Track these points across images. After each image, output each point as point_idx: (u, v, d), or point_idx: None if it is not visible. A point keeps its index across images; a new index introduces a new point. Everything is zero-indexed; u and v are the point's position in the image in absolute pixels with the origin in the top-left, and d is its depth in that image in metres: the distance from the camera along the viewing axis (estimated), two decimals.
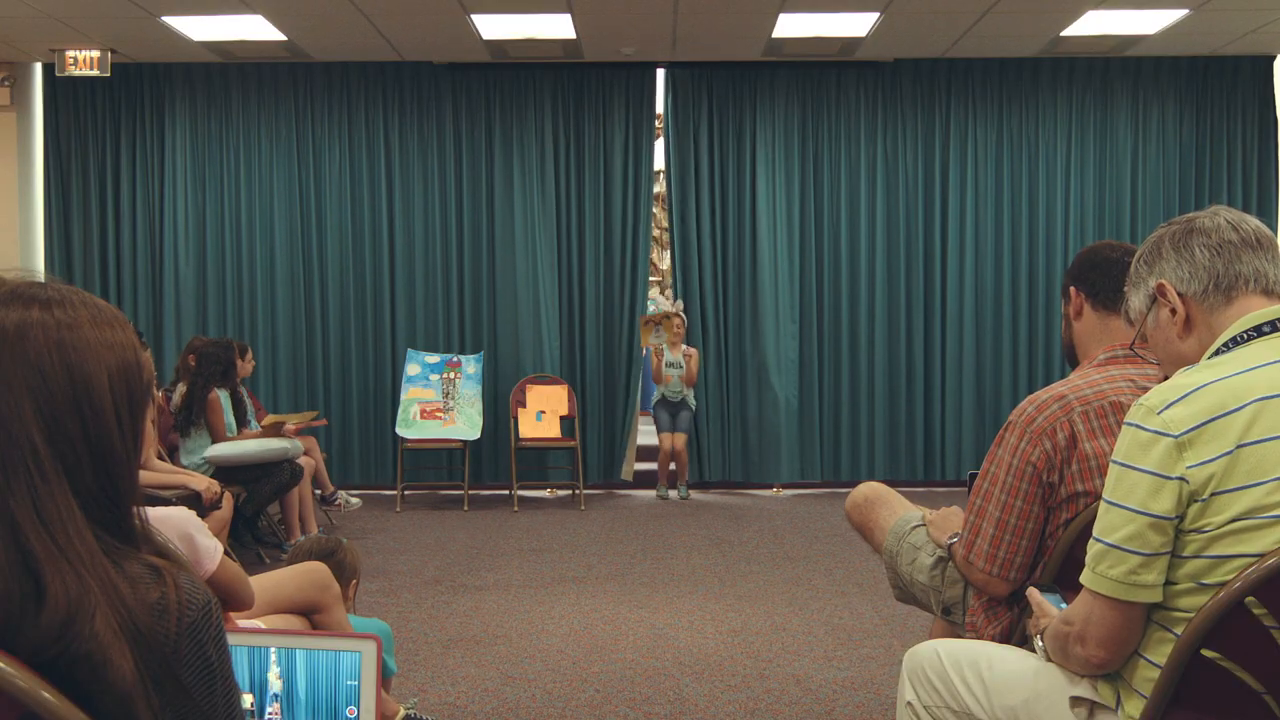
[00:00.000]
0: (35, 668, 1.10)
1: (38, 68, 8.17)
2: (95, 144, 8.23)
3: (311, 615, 2.74)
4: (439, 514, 7.39)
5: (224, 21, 6.92)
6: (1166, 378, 1.79)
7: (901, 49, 7.84)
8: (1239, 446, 1.59)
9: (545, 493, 8.14)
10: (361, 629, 2.78)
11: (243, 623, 2.38)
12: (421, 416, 7.69)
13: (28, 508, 1.11)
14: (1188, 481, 1.60)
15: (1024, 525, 2.22)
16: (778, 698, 3.76)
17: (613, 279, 8.27)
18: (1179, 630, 1.64)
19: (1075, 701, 1.80)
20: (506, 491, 7.83)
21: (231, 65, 8.12)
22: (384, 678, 2.84)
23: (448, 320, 8.27)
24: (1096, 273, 2.36)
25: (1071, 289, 2.40)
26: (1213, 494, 1.59)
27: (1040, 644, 1.88)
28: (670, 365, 7.85)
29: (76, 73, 7.50)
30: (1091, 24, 7.06)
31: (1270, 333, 1.70)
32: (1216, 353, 1.72)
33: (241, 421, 6.07)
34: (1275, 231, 3.99)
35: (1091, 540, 1.70)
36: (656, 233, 9.59)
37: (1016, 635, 2.26)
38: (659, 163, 8.60)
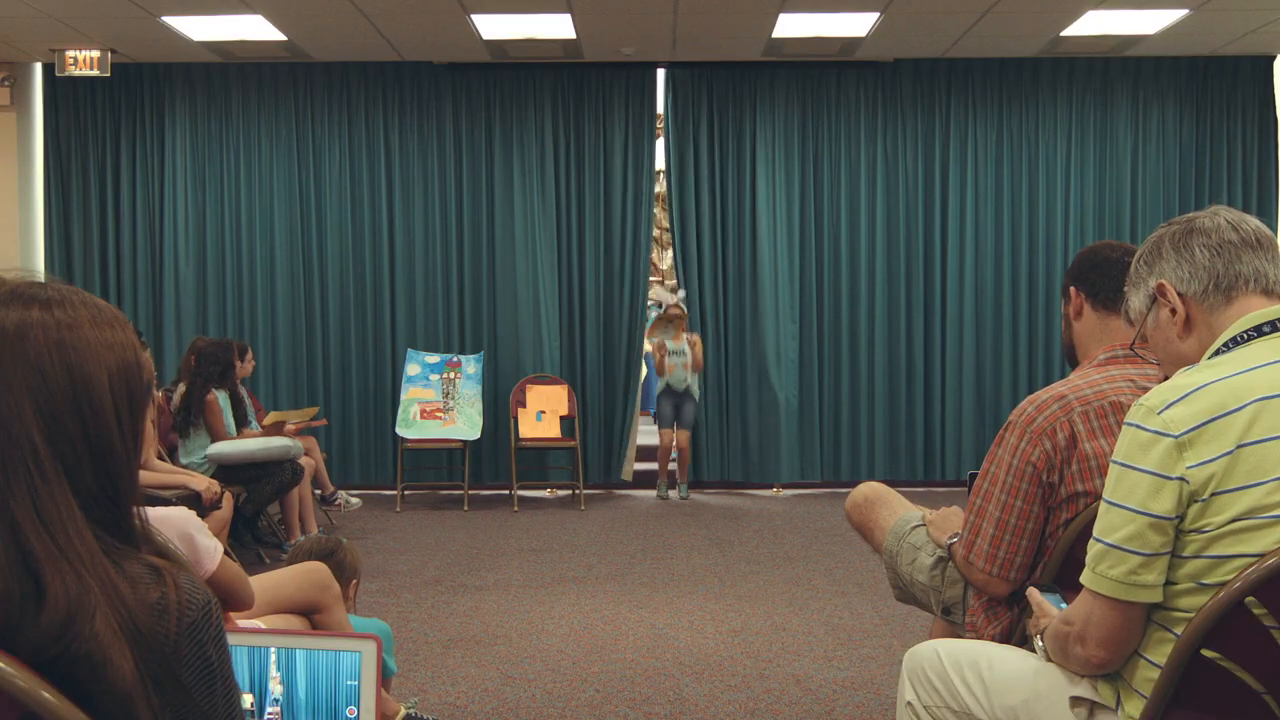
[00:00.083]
0: (35, 668, 1.10)
1: (38, 68, 8.17)
2: (95, 144, 8.23)
3: (311, 615, 2.74)
4: (439, 514, 7.39)
5: (224, 21, 6.92)
6: (1166, 378, 1.79)
7: (901, 49, 7.84)
8: (1239, 446, 1.59)
9: (545, 493, 8.14)
10: (361, 629, 2.78)
11: (243, 623, 2.38)
12: (421, 416, 7.69)
13: (28, 508, 1.11)
14: (1188, 482, 1.60)
15: (1024, 525, 2.22)
16: (778, 698, 3.76)
17: (613, 279, 8.26)
18: (1179, 630, 1.64)
19: (1075, 701, 1.80)
20: (506, 491, 7.83)
21: (231, 65, 8.12)
22: (384, 678, 2.84)
23: (448, 320, 8.27)
24: (1096, 273, 2.36)
25: (1071, 289, 2.40)
26: (1213, 494, 1.59)
27: (1040, 644, 1.88)
28: (674, 354, 7.82)
29: (76, 73, 7.50)
30: (1091, 24, 7.05)
31: (1270, 333, 1.70)
32: (1216, 353, 1.72)
33: (242, 422, 6.07)
34: (1275, 231, 3.98)
35: (1091, 540, 1.70)
36: (656, 233, 9.58)
37: (1016, 635, 2.25)
38: (659, 162, 8.59)
